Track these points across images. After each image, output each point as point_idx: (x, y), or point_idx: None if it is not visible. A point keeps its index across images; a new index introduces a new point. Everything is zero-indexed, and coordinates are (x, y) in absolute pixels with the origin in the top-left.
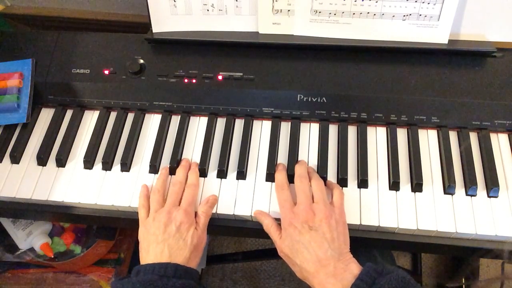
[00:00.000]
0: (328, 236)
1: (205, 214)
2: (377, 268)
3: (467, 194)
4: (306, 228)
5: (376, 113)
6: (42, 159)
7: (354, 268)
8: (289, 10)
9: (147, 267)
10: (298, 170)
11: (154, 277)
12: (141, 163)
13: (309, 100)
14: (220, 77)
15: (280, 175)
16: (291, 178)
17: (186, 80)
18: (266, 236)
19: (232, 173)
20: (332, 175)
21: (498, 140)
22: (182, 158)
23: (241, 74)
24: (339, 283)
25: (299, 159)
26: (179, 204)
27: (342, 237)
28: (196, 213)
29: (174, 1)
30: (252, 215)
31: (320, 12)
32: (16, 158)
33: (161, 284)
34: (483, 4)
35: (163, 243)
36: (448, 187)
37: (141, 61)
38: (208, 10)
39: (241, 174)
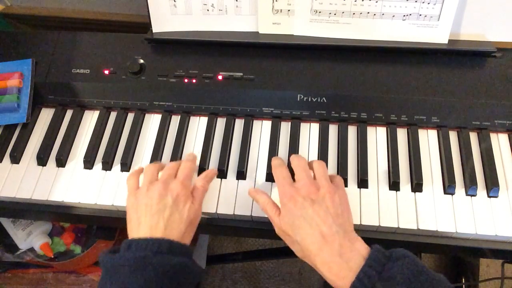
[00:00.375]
0: (332, 211)
1: (203, 188)
2: (386, 252)
3: (467, 194)
4: (309, 201)
5: (376, 113)
6: (42, 159)
7: (361, 248)
8: (289, 10)
9: (139, 242)
10: (294, 155)
11: (148, 253)
12: (141, 163)
13: (309, 100)
14: (220, 77)
15: (276, 159)
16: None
17: (186, 80)
18: (266, 236)
19: (232, 173)
20: None
21: (498, 140)
22: (182, 159)
23: (241, 74)
24: (345, 264)
25: None
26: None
27: (347, 214)
28: (193, 187)
29: (174, 1)
30: (252, 215)
31: (320, 12)
32: (16, 158)
33: (155, 261)
34: (483, 4)
35: (157, 214)
36: (448, 187)
37: (141, 61)
38: (208, 10)
39: (241, 174)
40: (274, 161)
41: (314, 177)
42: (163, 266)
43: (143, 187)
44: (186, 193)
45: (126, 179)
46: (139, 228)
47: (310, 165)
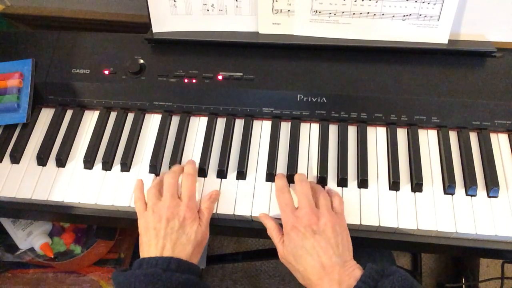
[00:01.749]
0: (332, 241)
1: (208, 209)
2: (378, 269)
3: (467, 194)
4: (310, 232)
5: (376, 113)
6: (42, 159)
7: (358, 274)
8: (289, 10)
9: (150, 260)
10: (298, 176)
11: (157, 271)
12: (141, 163)
13: (309, 100)
14: (220, 77)
15: (280, 180)
16: (290, 179)
17: (186, 80)
18: (266, 236)
19: (232, 173)
20: (332, 175)
21: (498, 140)
22: (182, 158)
23: (241, 74)
24: None
25: (299, 159)
26: (178, 197)
27: (346, 243)
28: (199, 209)
29: (174, 1)
30: (252, 215)
31: (320, 12)
32: (16, 158)
33: (165, 277)
34: (483, 4)
35: (165, 238)
36: (448, 187)
37: (141, 61)
38: (208, 10)
39: (241, 174)
40: (278, 183)
41: (317, 205)
42: (172, 282)
43: (149, 210)
44: (192, 216)
45: (134, 201)
46: (149, 250)
47: (313, 190)
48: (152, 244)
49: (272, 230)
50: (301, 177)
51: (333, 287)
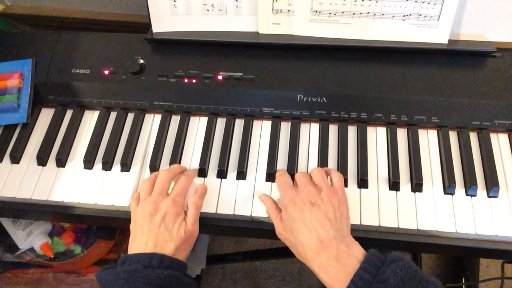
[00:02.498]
0: (331, 215)
1: (195, 204)
2: (381, 256)
3: (467, 194)
4: (308, 205)
5: (376, 113)
6: (42, 159)
7: (357, 253)
8: (289, 10)
9: (133, 257)
10: (298, 173)
11: (138, 267)
12: (141, 163)
13: (309, 100)
14: (220, 77)
15: (280, 169)
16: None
17: (186, 80)
18: (266, 236)
19: (232, 173)
20: None
21: (498, 140)
22: (182, 158)
23: (241, 74)
24: (342, 268)
25: (299, 159)
26: (167, 194)
27: (345, 219)
28: (186, 205)
29: (174, 1)
30: (252, 215)
31: (320, 12)
32: (16, 158)
33: (146, 274)
34: (483, 4)
35: (148, 233)
36: (448, 187)
37: (141, 61)
38: (208, 10)
39: (241, 174)
40: (278, 171)
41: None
42: (152, 278)
43: (139, 205)
44: (177, 211)
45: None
46: (133, 245)
47: (311, 173)
48: (136, 240)
49: (270, 207)
50: (301, 171)
51: (330, 262)
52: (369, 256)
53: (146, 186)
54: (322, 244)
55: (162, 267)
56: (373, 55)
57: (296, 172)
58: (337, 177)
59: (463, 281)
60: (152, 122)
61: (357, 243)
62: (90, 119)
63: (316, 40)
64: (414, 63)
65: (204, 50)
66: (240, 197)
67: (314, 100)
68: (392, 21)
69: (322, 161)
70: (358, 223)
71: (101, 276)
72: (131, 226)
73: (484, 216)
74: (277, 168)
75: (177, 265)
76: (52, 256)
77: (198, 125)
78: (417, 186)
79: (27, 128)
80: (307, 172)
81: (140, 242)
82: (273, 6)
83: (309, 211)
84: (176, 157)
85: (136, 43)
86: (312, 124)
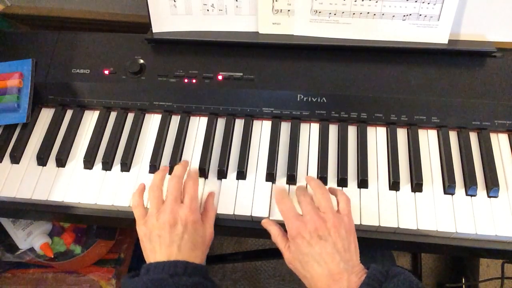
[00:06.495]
0: (339, 246)
1: (213, 209)
2: (382, 270)
3: (467, 194)
4: (315, 238)
5: (376, 113)
6: (42, 159)
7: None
8: (289, 10)
9: (157, 265)
10: (298, 189)
11: (164, 276)
12: (141, 163)
13: (309, 100)
14: (220, 77)
15: (278, 188)
16: (290, 179)
17: (186, 80)
18: (266, 236)
19: (232, 173)
20: (332, 175)
21: (498, 140)
22: (182, 159)
23: (241, 74)
24: None
25: (299, 159)
26: (181, 201)
27: (354, 247)
28: (202, 209)
29: (174, 1)
30: (252, 215)
31: (320, 12)
32: (16, 158)
33: (172, 282)
34: (483, 4)
35: (171, 244)
36: (448, 187)
37: (141, 61)
38: (208, 10)
39: (241, 174)
40: (276, 192)
41: (320, 208)
42: (180, 287)
43: (152, 216)
44: (195, 218)
45: (132, 207)
46: (155, 256)
47: (314, 191)
48: (157, 251)
49: (276, 236)
50: (302, 188)
51: None
52: (372, 271)
53: (156, 194)
54: (332, 277)
55: (187, 275)
56: (373, 55)
57: (296, 172)
58: (343, 202)
59: (463, 281)
60: (152, 122)
61: (366, 271)
62: (90, 119)
63: (316, 40)
64: (414, 63)
65: (204, 50)
66: (240, 197)
67: (314, 100)
68: (392, 21)
69: (322, 161)
70: (358, 223)
71: (127, 285)
72: (144, 237)
73: (484, 216)
74: (277, 169)
75: (200, 271)
76: (52, 256)
77: (198, 125)
78: (417, 186)
79: (27, 128)
80: (307, 184)
81: (163, 253)
82: (273, 6)
83: (318, 244)
84: (176, 157)
85: (136, 43)
86: (312, 124)
